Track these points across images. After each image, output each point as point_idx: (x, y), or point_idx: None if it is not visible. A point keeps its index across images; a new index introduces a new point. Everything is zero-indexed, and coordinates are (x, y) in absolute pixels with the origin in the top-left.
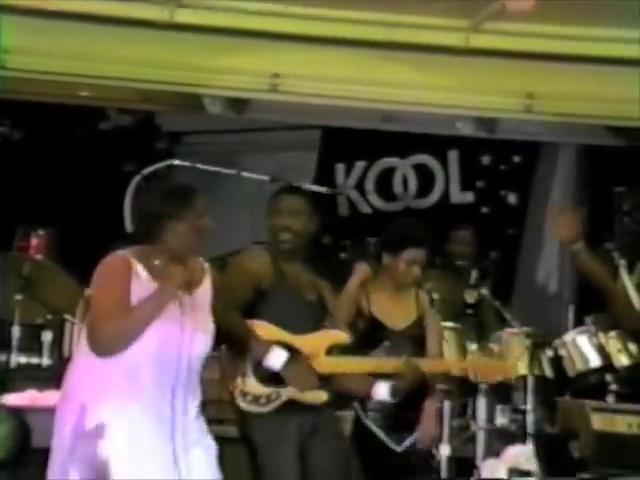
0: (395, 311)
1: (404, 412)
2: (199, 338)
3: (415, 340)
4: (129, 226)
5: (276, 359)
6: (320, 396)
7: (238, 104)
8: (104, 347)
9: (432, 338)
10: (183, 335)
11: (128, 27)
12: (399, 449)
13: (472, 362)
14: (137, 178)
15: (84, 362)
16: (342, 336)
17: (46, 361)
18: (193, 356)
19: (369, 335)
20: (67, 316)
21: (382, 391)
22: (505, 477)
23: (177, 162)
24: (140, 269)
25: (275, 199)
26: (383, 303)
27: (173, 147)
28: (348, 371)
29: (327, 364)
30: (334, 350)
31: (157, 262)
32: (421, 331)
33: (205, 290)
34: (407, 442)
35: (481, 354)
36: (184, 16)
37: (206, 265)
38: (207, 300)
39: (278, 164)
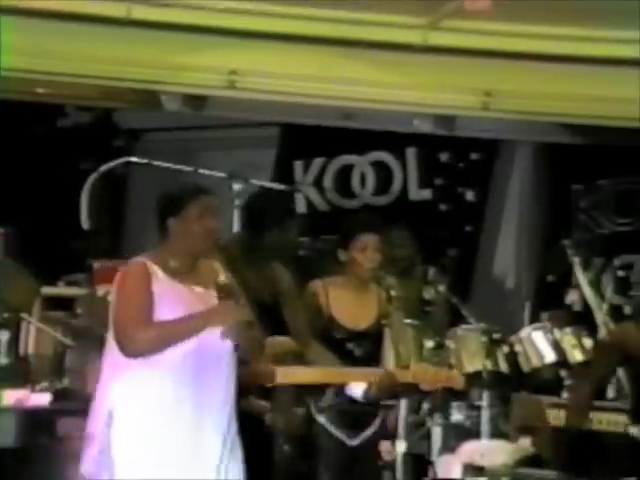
0: (356, 311)
1: (356, 409)
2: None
3: (375, 340)
4: (85, 223)
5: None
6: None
7: (196, 101)
8: (139, 351)
9: (391, 338)
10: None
11: (85, 23)
12: (353, 443)
13: (419, 372)
14: (94, 176)
15: (111, 366)
16: (290, 344)
17: (3, 360)
18: (218, 354)
19: (328, 336)
20: (24, 315)
21: (357, 390)
22: (460, 473)
23: (134, 159)
24: (158, 271)
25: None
26: (344, 303)
27: (131, 144)
28: (301, 382)
29: (282, 374)
30: (287, 358)
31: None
32: (382, 331)
33: None
34: (361, 437)
35: (432, 358)
36: (141, 13)
37: (217, 266)
38: None
39: (236, 161)
